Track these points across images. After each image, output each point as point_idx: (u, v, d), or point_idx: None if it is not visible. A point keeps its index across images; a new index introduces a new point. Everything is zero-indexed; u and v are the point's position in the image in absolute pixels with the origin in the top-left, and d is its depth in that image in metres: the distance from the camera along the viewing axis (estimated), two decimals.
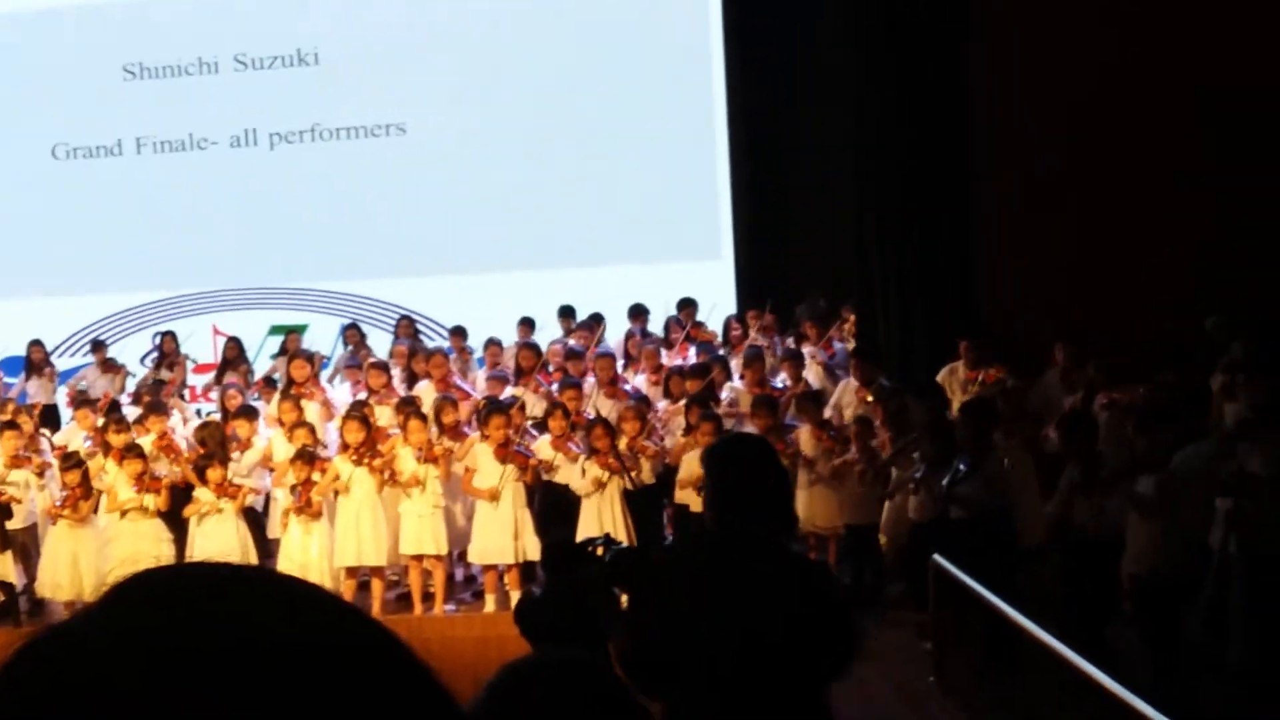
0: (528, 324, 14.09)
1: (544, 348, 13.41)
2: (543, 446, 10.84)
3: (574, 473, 10.62)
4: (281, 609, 0.96)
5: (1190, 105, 12.56)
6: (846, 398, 11.85)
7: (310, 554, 10.59)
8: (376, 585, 10.79)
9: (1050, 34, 12.80)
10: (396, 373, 13.04)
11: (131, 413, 12.33)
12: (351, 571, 10.71)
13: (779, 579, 4.15)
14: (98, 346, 15.15)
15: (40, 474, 11.41)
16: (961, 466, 9.04)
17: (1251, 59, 12.47)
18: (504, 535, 10.38)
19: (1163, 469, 8.14)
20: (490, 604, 10.61)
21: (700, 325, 13.99)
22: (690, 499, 10.57)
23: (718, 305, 14.60)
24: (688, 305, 14.33)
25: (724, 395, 11.81)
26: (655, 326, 14.20)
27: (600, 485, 10.42)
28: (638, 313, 14.21)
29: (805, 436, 10.95)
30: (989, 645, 8.65)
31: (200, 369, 15.41)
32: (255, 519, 11.51)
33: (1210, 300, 11.52)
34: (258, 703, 0.88)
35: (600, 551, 4.68)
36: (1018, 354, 11.87)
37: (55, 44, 16.87)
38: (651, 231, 15.72)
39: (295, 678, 0.90)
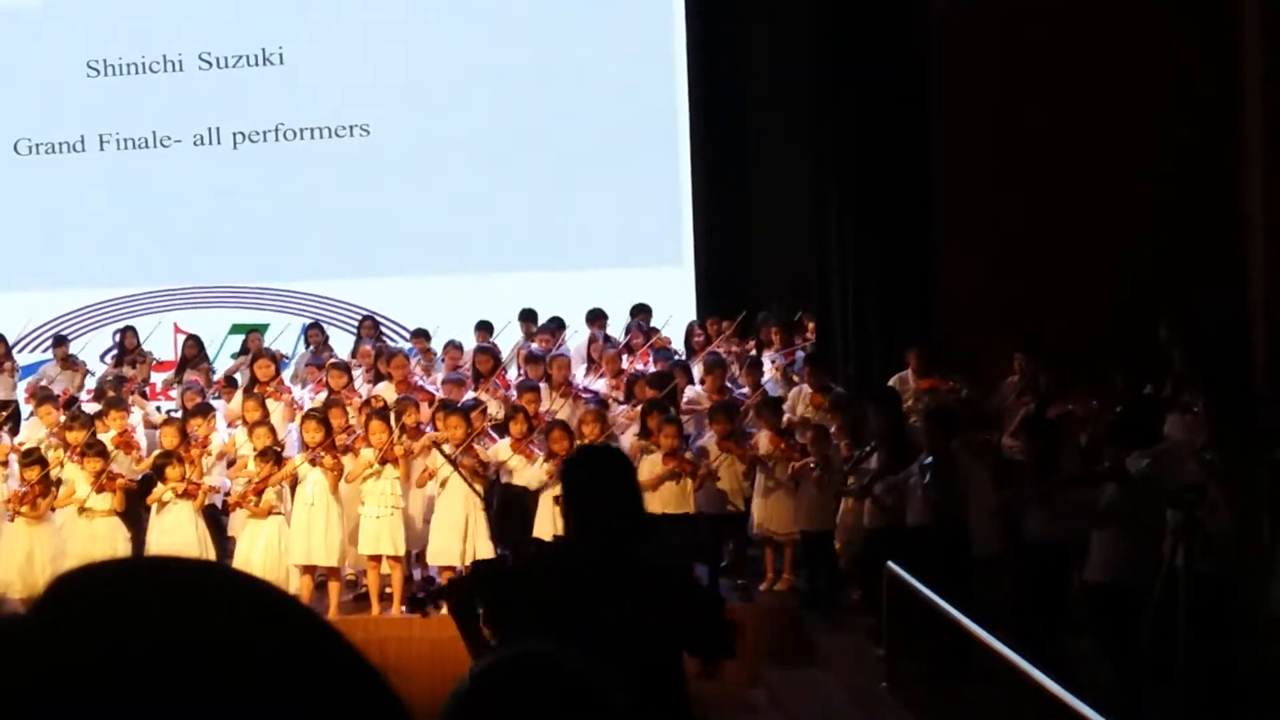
0: (485, 328, 14.10)
1: (504, 351, 13.46)
2: (502, 449, 10.90)
3: (531, 475, 10.68)
4: (222, 604, 0.94)
5: (1150, 111, 12.70)
6: (800, 403, 11.94)
7: (268, 552, 10.62)
8: (334, 585, 10.82)
9: (1011, 42, 12.92)
10: (360, 373, 13.07)
11: (91, 409, 12.31)
12: (308, 570, 10.74)
13: (627, 587, 4.22)
14: (59, 342, 15.08)
15: (4, 464, 11.39)
16: (927, 474, 9.11)
17: (1206, 66, 12.62)
18: (458, 537, 10.44)
19: (1125, 481, 8.25)
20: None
21: (655, 331, 14.04)
22: (647, 501, 10.63)
23: (676, 314, 14.61)
24: (642, 311, 14.33)
25: (685, 401, 11.86)
26: (613, 331, 14.22)
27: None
28: (595, 317, 14.20)
29: (764, 442, 11.03)
30: (940, 651, 8.74)
31: (160, 367, 15.37)
32: (214, 517, 11.50)
33: (1167, 310, 11.62)
34: (187, 701, 0.86)
35: None
36: (975, 362, 11.96)
37: (19, 39, 16.80)
38: (613, 236, 15.76)
39: (230, 675, 0.88)
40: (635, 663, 4.09)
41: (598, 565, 4.27)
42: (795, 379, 12.69)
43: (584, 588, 4.21)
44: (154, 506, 10.84)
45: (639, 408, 11.55)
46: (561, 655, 2.21)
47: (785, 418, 11.45)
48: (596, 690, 2.19)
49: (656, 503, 10.57)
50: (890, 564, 8.70)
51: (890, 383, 11.99)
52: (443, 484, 10.72)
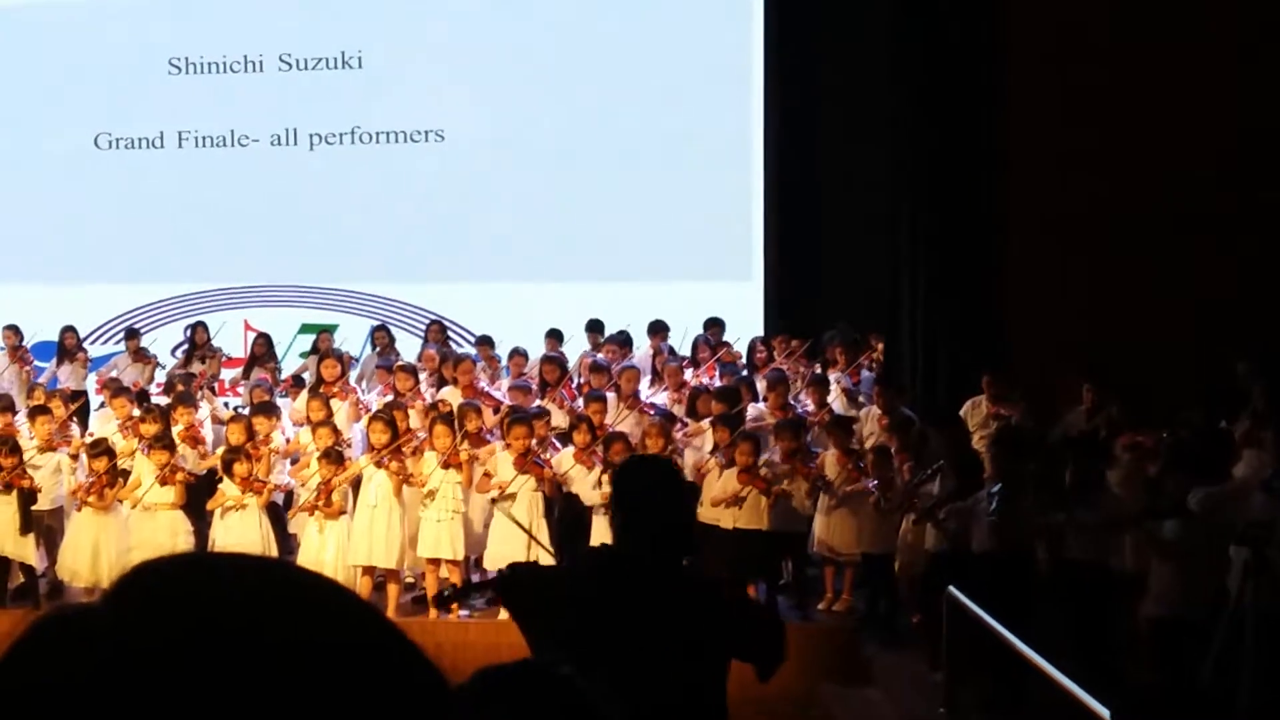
0: (555, 336, 14.11)
1: (571, 360, 13.45)
2: (565, 458, 10.88)
3: (586, 485, 10.66)
4: (289, 601, 0.96)
5: (1220, 145, 12.56)
6: (869, 426, 11.87)
7: (338, 553, 10.68)
8: (392, 587, 10.86)
9: (1085, 65, 12.82)
10: (425, 377, 13.10)
11: (160, 403, 12.43)
12: (368, 572, 10.78)
13: (669, 598, 4.19)
14: (131, 335, 15.25)
15: (75, 457, 11.51)
16: (994, 500, 9.00)
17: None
18: (519, 543, 10.41)
19: (1187, 512, 8.13)
20: (505, 611, 10.61)
21: (727, 345, 13.97)
22: (718, 516, 10.60)
23: (744, 330, 14.54)
24: (715, 325, 14.28)
25: (748, 417, 11.80)
26: (674, 342, 14.16)
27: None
28: (656, 329, 14.15)
29: (830, 461, 10.96)
30: (999, 678, 8.64)
31: (230, 363, 15.52)
32: (277, 514, 11.57)
33: (1243, 345, 11.46)
34: (254, 695, 0.88)
35: None
36: (1041, 391, 11.85)
37: (102, 35, 17.02)
38: (683, 250, 15.74)
39: (296, 672, 0.90)
40: (674, 675, 4.07)
41: (640, 575, 4.24)
42: (861, 399, 12.62)
43: (625, 597, 4.18)
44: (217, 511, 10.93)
45: (703, 422, 11.52)
46: (570, 673, 2.19)
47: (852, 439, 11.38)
48: (598, 713, 2.16)
49: (729, 518, 10.55)
50: (952, 589, 8.60)
51: (964, 407, 11.90)
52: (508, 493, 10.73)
